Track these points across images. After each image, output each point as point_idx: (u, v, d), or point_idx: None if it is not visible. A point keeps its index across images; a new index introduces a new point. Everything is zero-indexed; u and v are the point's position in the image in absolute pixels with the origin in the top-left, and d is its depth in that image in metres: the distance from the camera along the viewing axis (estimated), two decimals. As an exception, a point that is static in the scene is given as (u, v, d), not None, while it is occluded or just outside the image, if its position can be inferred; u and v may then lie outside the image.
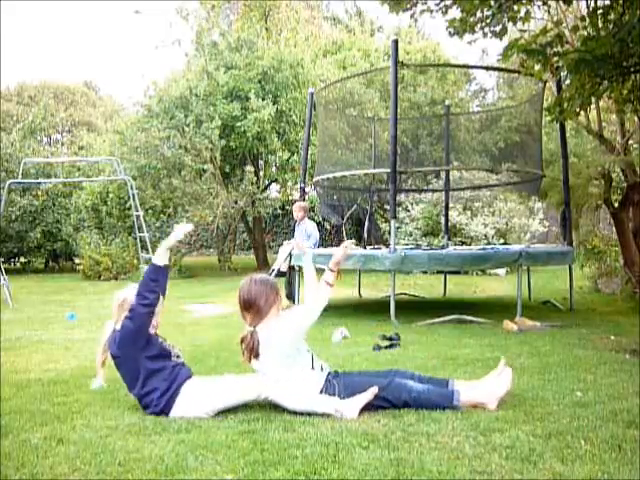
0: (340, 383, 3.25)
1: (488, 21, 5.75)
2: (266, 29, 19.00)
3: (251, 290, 3.35)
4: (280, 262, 7.93)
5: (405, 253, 6.99)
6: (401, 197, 14.72)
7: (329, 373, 3.35)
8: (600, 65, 5.17)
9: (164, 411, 3.18)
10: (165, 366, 3.24)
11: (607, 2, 5.67)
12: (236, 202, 14.51)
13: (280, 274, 7.93)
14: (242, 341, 3.34)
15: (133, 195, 12.33)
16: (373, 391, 3.14)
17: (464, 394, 3.20)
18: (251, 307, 3.32)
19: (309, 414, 3.12)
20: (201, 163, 13.97)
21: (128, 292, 3.42)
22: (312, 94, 9.17)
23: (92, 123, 31.80)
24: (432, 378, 3.45)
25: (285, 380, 3.24)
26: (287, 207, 17.84)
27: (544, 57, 5.63)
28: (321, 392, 3.22)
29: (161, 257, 3.32)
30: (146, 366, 3.20)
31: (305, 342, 3.40)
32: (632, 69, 5.53)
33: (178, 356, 3.38)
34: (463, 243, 13.51)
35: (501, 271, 13.19)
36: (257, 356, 3.28)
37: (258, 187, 15.21)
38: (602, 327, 6.17)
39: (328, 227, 18.47)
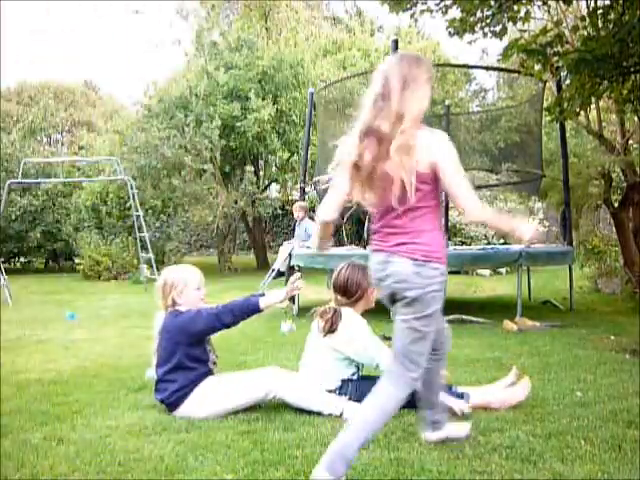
0: (353, 386, 3.26)
1: (488, 21, 5.76)
2: (266, 29, 19.00)
3: (346, 276, 3.39)
4: (280, 262, 7.93)
5: (405, 253, 6.97)
6: (401, 197, 14.68)
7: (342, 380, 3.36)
8: (600, 65, 5.18)
9: (172, 406, 3.18)
10: (197, 368, 3.24)
11: (607, 2, 5.67)
12: (236, 202, 14.51)
13: (279, 274, 7.93)
14: (321, 315, 3.36)
15: (133, 195, 12.32)
16: None
17: (474, 397, 3.19)
18: (345, 293, 3.36)
19: (309, 413, 3.12)
20: (201, 163, 13.97)
21: (165, 276, 3.41)
22: (312, 94, 9.17)
23: (92, 123, 31.77)
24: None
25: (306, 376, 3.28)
26: (287, 207, 17.84)
27: (544, 57, 5.64)
28: (333, 392, 3.23)
29: (267, 302, 3.29)
30: (182, 360, 3.20)
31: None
32: (632, 69, 5.54)
33: (215, 362, 3.38)
34: (463, 243, 13.50)
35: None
36: (334, 331, 3.28)
37: (258, 187, 15.22)
38: (602, 327, 6.17)
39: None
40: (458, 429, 2.73)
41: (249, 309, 3.29)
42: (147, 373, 3.82)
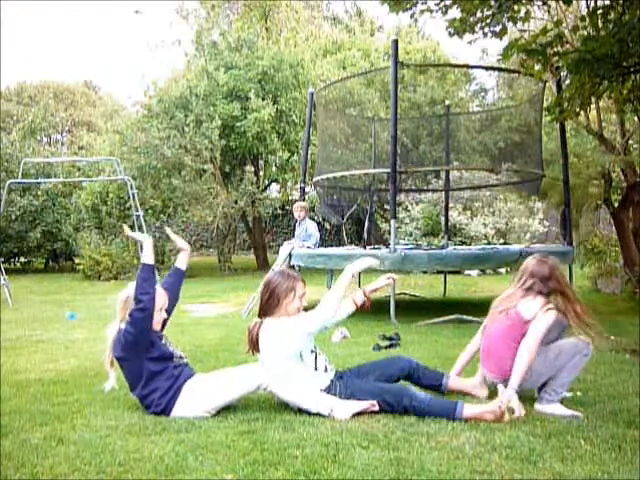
0: (342, 384, 3.25)
1: (488, 21, 5.75)
2: (266, 29, 19.01)
3: (267, 279, 3.38)
4: (280, 262, 7.93)
5: (405, 253, 6.99)
6: (401, 197, 14.72)
7: (335, 373, 3.35)
8: (600, 65, 5.18)
9: (165, 411, 3.18)
10: (167, 367, 3.23)
11: (607, 2, 5.67)
12: (236, 202, 14.51)
13: None
14: (249, 331, 3.37)
15: (133, 195, 12.32)
16: (372, 403, 3.12)
17: (468, 409, 3.06)
18: (262, 297, 3.35)
19: (309, 414, 3.12)
20: (201, 163, 13.96)
21: (130, 290, 3.40)
22: (312, 94, 9.17)
23: (92, 123, 31.80)
24: (427, 369, 3.53)
25: (287, 375, 3.25)
26: (287, 207, 17.84)
27: (544, 57, 5.64)
28: (324, 391, 3.22)
29: (149, 255, 3.26)
30: (148, 368, 3.20)
31: (311, 343, 3.37)
32: (632, 69, 5.54)
33: (181, 357, 3.36)
34: (463, 243, 13.51)
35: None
36: (258, 350, 3.31)
37: (258, 187, 15.21)
38: (602, 327, 6.15)
39: (328, 227, 18.47)
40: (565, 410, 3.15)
41: (143, 273, 3.24)
42: (105, 386, 3.46)
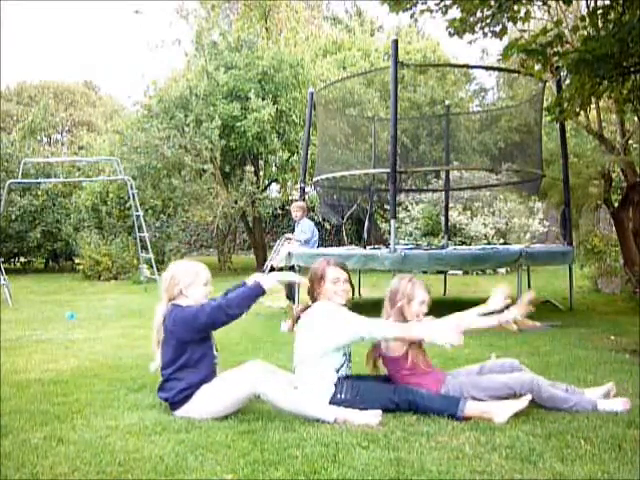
0: (348, 385, 3.22)
1: (488, 21, 5.76)
2: (266, 29, 19.00)
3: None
4: (279, 259, 7.93)
5: (405, 253, 6.98)
6: (401, 197, 14.73)
7: (338, 378, 3.29)
8: (600, 65, 5.18)
9: (174, 405, 3.17)
10: (204, 368, 3.21)
11: (607, 2, 5.68)
12: (236, 202, 14.51)
13: (272, 270, 7.94)
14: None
15: (133, 195, 12.31)
16: (377, 414, 3.08)
17: (471, 405, 3.07)
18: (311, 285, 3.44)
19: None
20: (201, 163, 13.96)
21: (173, 269, 3.36)
22: (312, 94, 9.17)
23: (92, 123, 31.80)
24: None
25: (296, 380, 3.26)
26: (287, 207, 17.83)
27: (544, 57, 5.64)
28: (331, 401, 3.18)
29: (270, 283, 3.34)
30: (189, 359, 3.17)
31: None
32: (632, 69, 5.54)
33: (215, 358, 3.35)
34: (463, 243, 13.51)
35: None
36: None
37: (258, 187, 15.22)
38: (602, 327, 6.17)
39: (328, 227, 18.47)
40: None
41: (254, 294, 3.27)
42: (151, 367, 3.59)
